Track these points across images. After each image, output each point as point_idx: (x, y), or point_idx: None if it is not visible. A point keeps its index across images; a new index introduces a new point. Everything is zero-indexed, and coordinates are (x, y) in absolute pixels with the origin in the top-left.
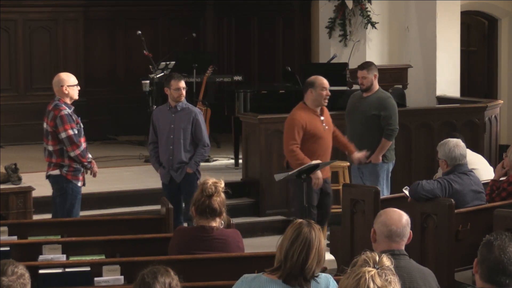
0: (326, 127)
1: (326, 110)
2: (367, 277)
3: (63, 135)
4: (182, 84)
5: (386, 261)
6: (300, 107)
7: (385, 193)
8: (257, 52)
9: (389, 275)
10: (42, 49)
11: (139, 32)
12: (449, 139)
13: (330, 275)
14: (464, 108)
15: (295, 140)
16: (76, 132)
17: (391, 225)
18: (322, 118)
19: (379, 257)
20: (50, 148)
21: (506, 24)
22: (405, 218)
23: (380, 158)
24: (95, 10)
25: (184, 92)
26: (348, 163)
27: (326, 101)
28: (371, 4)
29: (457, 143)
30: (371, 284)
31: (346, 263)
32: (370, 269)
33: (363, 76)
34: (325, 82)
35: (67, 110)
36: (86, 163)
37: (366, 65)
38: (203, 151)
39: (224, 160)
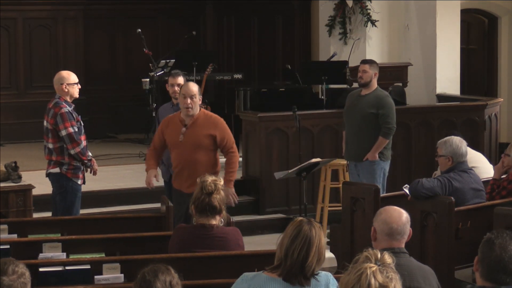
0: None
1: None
2: (368, 273)
3: (63, 132)
4: (177, 80)
5: (388, 258)
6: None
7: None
8: (257, 50)
9: (390, 273)
10: (42, 48)
11: (139, 30)
12: (452, 136)
13: (330, 273)
14: (464, 106)
15: (153, 143)
16: (76, 130)
17: (391, 223)
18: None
19: (380, 254)
20: (50, 146)
21: (506, 22)
22: (404, 215)
23: (377, 155)
24: (95, 9)
25: (178, 89)
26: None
27: (189, 110)
28: (371, 2)
29: (461, 140)
30: (372, 280)
31: (346, 261)
32: (372, 265)
33: (364, 69)
34: (185, 89)
35: (67, 108)
36: (86, 161)
37: (370, 61)
38: None
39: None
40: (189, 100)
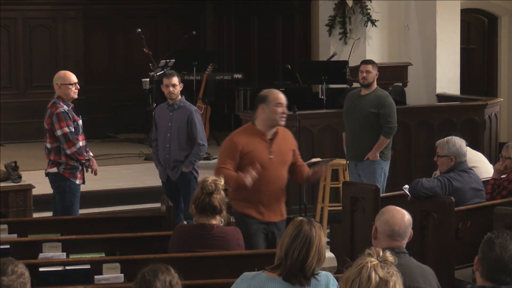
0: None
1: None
2: (369, 266)
3: (58, 132)
4: (171, 81)
5: (390, 257)
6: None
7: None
8: (257, 50)
9: (391, 269)
10: (42, 47)
11: (139, 30)
12: (452, 136)
13: (330, 273)
14: (464, 106)
15: (224, 163)
16: (73, 130)
17: (394, 224)
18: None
19: (383, 252)
20: (48, 145)
21: (506, 22)
22: (407, 218)
23: (378, 155)
24: (95, 8)
25: (173, 89)
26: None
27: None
28: (371, 2)
29: (461, 140)
30: (373, 274)
31: (345, 261)
32: (373, 259)
33: (367, 70)
34: (281, 96)
35: (63, 108)
36: (83, 161)
37: (372, 61)
38: (198, 150)
39: None
40: (286, 110)
